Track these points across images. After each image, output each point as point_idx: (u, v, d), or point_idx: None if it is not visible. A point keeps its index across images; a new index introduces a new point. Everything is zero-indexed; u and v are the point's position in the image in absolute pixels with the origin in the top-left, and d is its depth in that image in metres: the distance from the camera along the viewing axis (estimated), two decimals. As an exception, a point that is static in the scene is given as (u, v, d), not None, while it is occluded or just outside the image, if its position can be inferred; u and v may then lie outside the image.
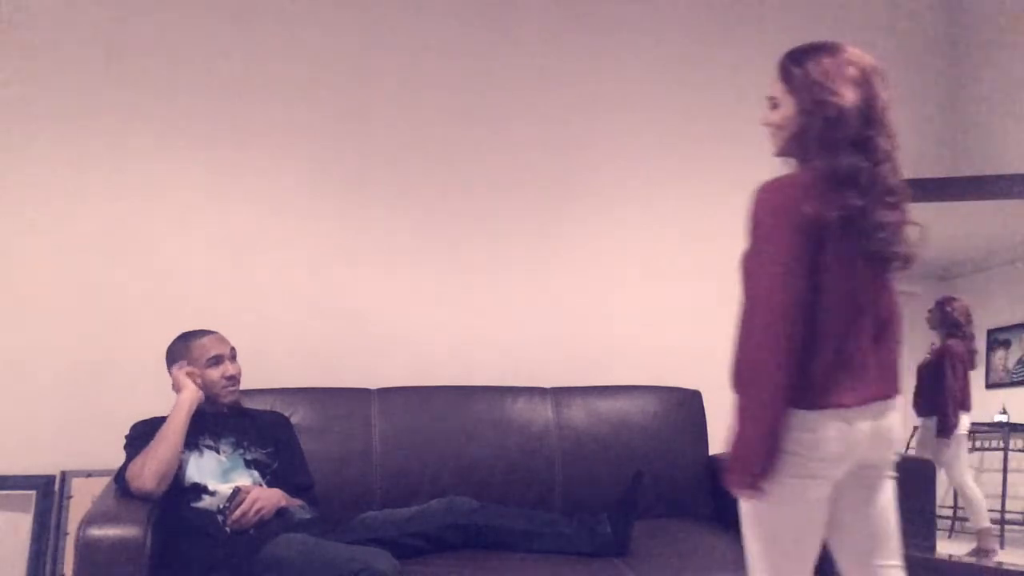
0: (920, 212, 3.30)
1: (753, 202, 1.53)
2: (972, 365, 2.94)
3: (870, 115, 1.54)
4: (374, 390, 2.62)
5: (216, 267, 2.68)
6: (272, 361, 2.65)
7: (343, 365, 2.74)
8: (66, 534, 2.47)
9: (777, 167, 1.64)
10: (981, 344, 2.95)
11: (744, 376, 1.52)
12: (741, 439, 1.51)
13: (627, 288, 2.97)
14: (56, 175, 2.58)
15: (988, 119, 3.18)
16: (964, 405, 2.95)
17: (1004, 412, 2.89)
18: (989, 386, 2.93)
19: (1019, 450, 2.86)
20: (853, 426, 1.54)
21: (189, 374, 2.19)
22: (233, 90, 2.70)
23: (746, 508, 1.60)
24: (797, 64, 1.57)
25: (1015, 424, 2.87)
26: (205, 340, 2.24)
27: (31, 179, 2.57)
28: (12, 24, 2.56)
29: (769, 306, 1.48)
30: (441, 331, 2.85)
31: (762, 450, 1.50)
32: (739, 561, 2.24)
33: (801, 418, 1.51)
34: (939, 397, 2.96)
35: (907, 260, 1.58)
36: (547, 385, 2.74)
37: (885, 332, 1.61)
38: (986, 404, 2.93)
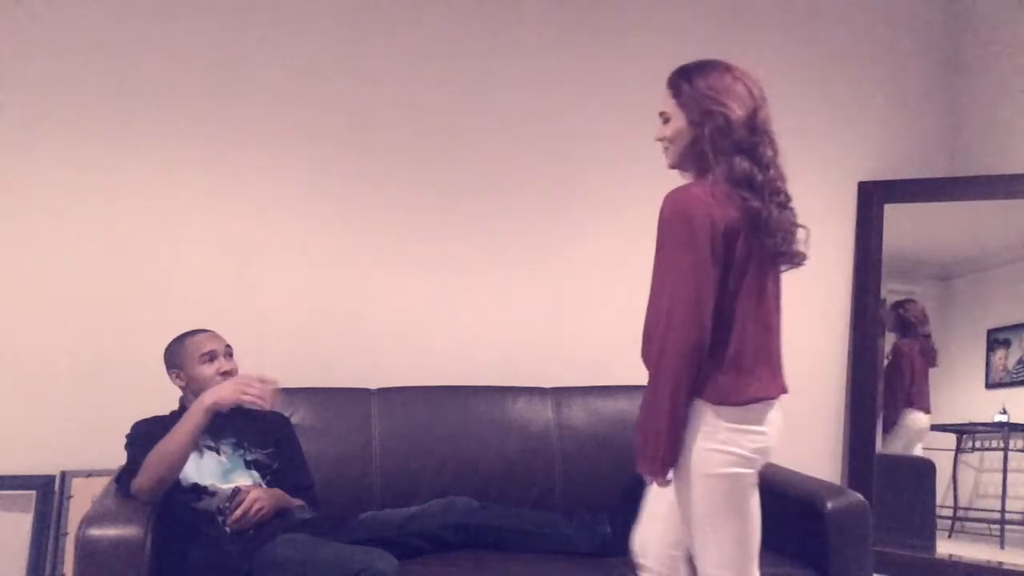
0: (920, 212, 3.33)
1: (666, 209, 1.62)
2: (933, 363, 3.05)
3: (755, 125, 1.65)
4: (374, 390, 2.62)
5: (216, 267, 2.68)
6: (272, 361, 2.65)
7: (343, 365, 2.74)
8: (66, 534, 2.47)
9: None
10: (981, 344, 2.96)
11: (654, 371, 1.62)
12: (646, 430, 1.61)
13: (627, 288, 2.97)
14: (56, 175, 2.58)
15: (988, 119, 3.18)
16: (919, 404, 3.05)
17: (1004, 412, 2.89)
18: (989, 386, 2.93)
19: (1019, 450, 2.86)
20: (771, 416, 1.67)
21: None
22: (233, 90, 2.70)
23: (689, 497, 1.65)
24: (686, 80, 1.69)
25: (1015, 424, 2.87)
26: (199, 337, 2.24)
27: (31, 179, 2.56)
28: (12, 24, 2.56)
29: (682, 307, 1.58)
30: (441, 331, 2.85)
31: (666, 441, 1.59)
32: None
33: (730, 415, 1.61)
34: (890, 396, 3.11)
35: (798, 259, 1.71)
36: (547, 385, 2.74)
37: (777, 328, 1.73)
38: (986, 404, 2.93)
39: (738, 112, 1.63)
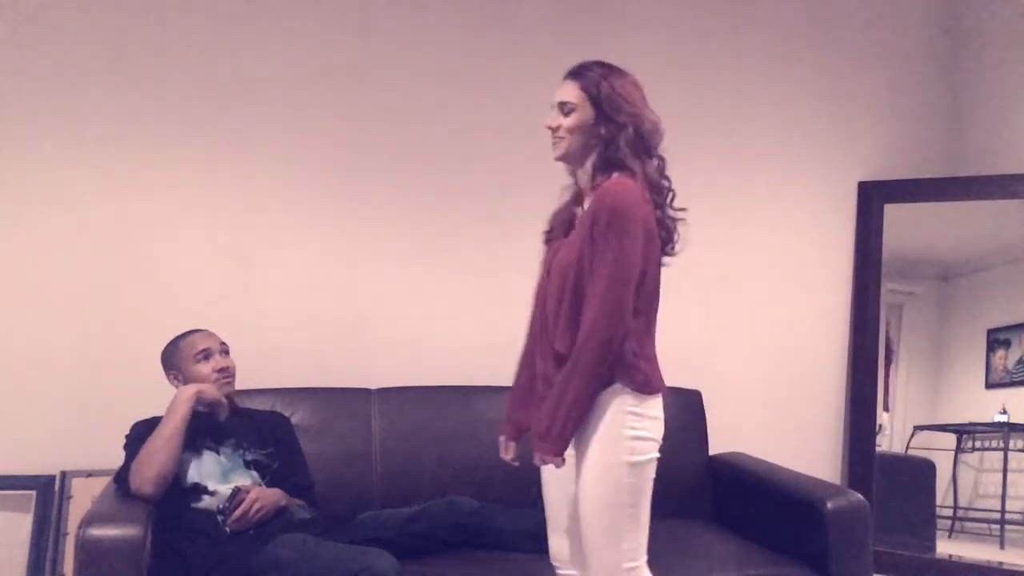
0: (920, 212, 3.33)
1: (607, 201, 1.62)
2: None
3: (659, 133, 1.74)
4: (374, 390, 2.62)
5: (216, 267, 2.68)
6: (272, 361, 2.65)
7: (343, 365, 2.74)
8: (66, 534, 2.46)
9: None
10: (981, 344, 2.96)
11: (579, 354, 1.61)
12: (558, 412, 1.62)
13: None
14: (55, 175, 2.58)
15: (988, 119, 3.18)
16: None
17: (1004, 412, 2.89)
18: (989, 386, 2.93)
19: (1019, 450, 2.86)
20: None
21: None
22: (233, 91, 2.70)
23: (615, 486, 1.65)
24: (603, 77, 1.72)
25: (1015, 424, 2.87)
26: (193, 337, 2.25)
27: (31, 180, 2.56)
28: (13, 24, 2.55)
29: (614, 298, 1.60)
30: (441, 331, 2.84)
31: (574, 425, 1.62)
32: (739, 560, 2.25)
33: (649, 403, 1.66)
34: None
35: (664, 263, 1.78)
36: (547, 385, 2.74)
37: None
38: (986, 404, 2.93)
39: (652, 118, 1.71)
